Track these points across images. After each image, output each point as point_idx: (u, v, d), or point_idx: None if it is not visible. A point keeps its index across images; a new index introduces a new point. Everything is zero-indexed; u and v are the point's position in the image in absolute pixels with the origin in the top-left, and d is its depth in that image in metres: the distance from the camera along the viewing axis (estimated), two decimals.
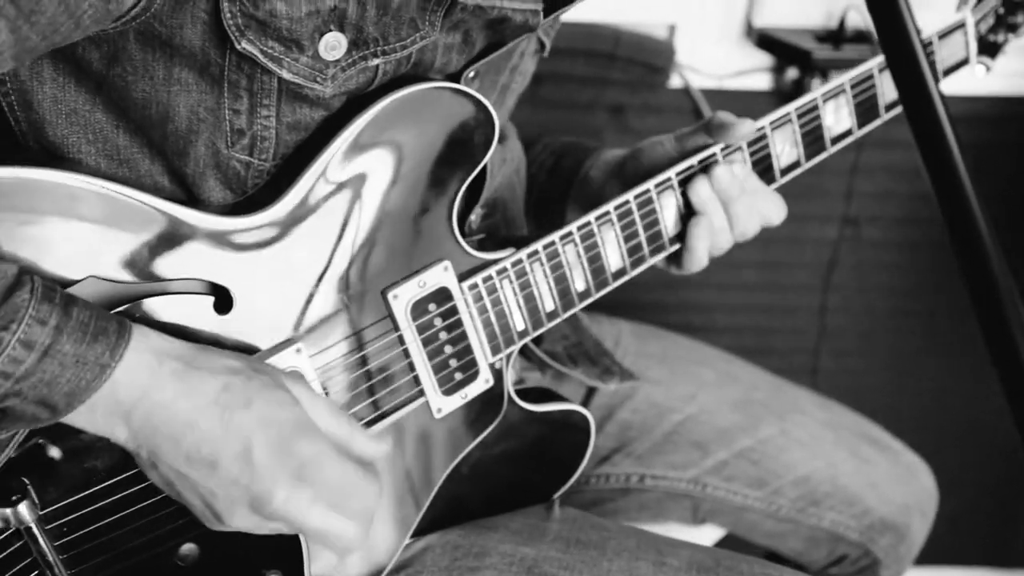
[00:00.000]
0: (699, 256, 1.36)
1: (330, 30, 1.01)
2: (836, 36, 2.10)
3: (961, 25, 1.53)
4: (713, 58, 2.17)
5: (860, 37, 2.10)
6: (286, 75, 1.02)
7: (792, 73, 2.18)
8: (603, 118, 2.21)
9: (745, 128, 1.33)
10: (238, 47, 0.99)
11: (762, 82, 2.21)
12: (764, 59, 2.18)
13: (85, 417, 0.97)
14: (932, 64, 1.43)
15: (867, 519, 1.64)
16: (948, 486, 1.89)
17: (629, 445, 1.62)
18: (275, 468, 0.99)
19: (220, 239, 1.06)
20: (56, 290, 0.94)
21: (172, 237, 1.04)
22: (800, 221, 2.03)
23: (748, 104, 2.20)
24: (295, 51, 1.01)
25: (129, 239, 1.02)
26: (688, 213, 1.35)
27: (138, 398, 0.96)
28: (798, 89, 2.16)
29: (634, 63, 2.12)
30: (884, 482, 1.66)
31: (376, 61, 1.06)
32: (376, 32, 1.04)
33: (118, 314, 1.00)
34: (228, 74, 1.02)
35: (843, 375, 2.55)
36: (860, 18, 2.10)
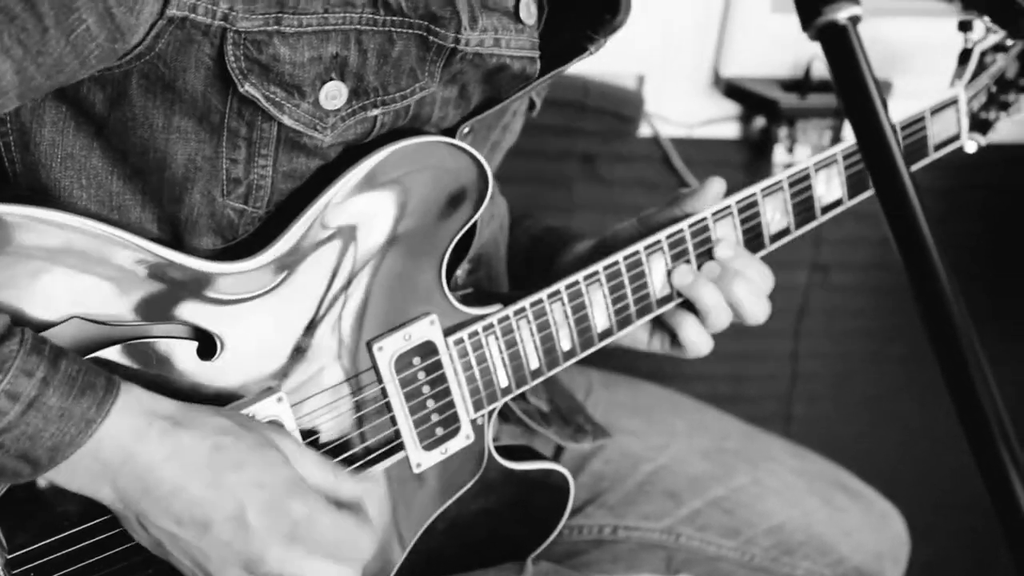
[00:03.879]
0: (696, 345, 1.37)
1: (331, 79, 1.02)
2: (802, 85, 2.13)
3: (954, 101, 1.52)
4: (682, 107, 2.19)
5: (826, 86, 2.12)
6: (287, 121, 1.02)
7: (760, 122, 2.21)
8: (574, 167, 2.22)
9: (715, 188, 1.32)
10: (240, 90, 0.99)
11: (730, 131, 2.23)
12: (732, 108, 2.20)
13: (66, 476, 0.96)
14: (913, 133, 1.46)
15: (841, 568, 1.63)
16: (922, 533, 1.89)
17: (602, 496, 1.61)
18: (269, 530, 0.99)
19: (207, 284, 1.05)
20: (46, 342, 0.94)
21: (159, 280, 1.03)
22: (769, 268, 2.03)
23: (717, 152, 2.23)
24: (296, 97, 1.01)
25: (115, 280, 1.01)
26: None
27: (124, 459, 0.96)
28: (766, 137, 2.19)
29: (604, 113, 2.13)
30: (857, 530, 1.66)
31: (375, 112, 1.06)
32: (376, 81, 1.05)
33: (100, 359, 1.00)
34: (228, 122, 1.01)
35: (816, 421, 2.56)
36: (825, 67, 2.12)
